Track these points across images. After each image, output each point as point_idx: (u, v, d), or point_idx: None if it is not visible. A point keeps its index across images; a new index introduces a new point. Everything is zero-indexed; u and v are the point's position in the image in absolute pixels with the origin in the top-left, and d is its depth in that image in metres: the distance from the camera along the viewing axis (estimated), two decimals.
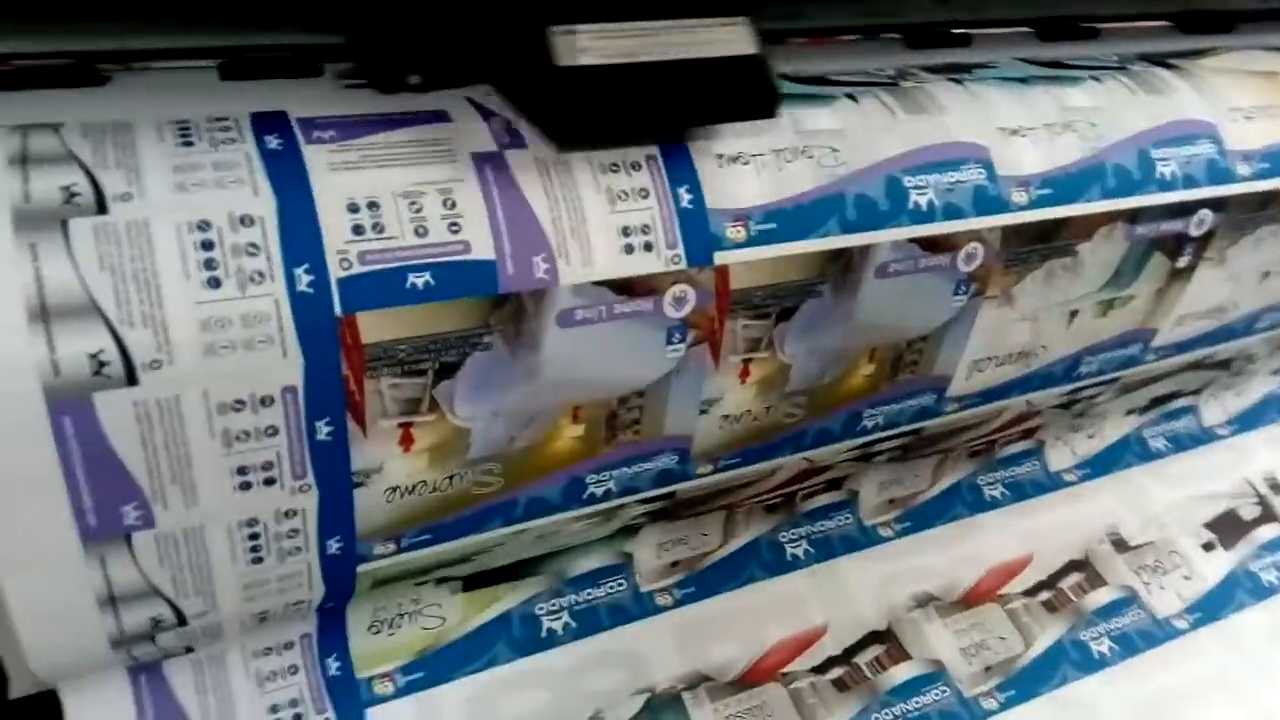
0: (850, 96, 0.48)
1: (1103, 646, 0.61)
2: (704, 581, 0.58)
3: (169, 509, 0.37)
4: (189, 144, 0.36)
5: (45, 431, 0.33)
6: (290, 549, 0.40)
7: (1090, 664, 0.60)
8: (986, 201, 0.48)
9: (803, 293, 0.45)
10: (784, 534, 0.61)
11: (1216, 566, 0.68)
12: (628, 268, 0.40)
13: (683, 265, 0.42)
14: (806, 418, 0.50)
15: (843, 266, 0.45)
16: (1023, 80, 0.52)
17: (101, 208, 0.34)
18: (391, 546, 0.43)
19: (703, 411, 0.47)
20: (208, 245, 0.34)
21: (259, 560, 0.40)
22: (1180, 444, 0.76)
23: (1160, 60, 0.57)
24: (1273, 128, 0.56)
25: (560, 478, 0.45)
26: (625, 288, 0.41)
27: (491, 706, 0.51)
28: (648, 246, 0.41)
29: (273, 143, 0.37)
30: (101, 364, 0.33)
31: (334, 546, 0.41)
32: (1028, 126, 0.50)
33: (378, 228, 0.37)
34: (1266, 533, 0.71)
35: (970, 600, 0.62)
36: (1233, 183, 0.54)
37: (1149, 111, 0.53)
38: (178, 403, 0.35)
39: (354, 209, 0.36)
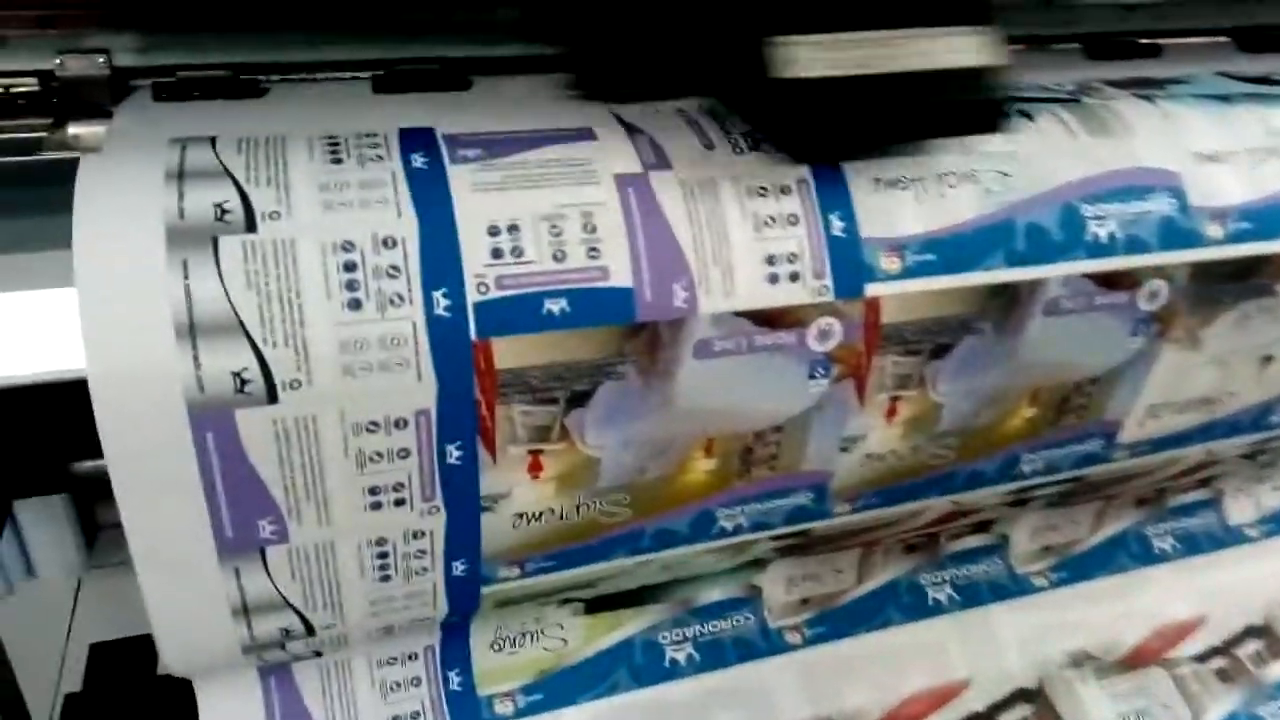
0: (1024, 114, 0.44)
1: None
2: (836, 620, 0.55)
3: (303, 525, 0.37)
4: (338, 161, 0.36)
5: (188, 445, 0.34)
6: (417, 569, 0.40)
7: None
8: (1175, 234, 0.43)
9: (961, 329, 0.42)
10: (925, 576, 0.58)
11: None
12: (771, 298, 0.38)
13: (830, 297, 0.39)
14: (957, 460, 0.47)
15: (1007, 302, 0.42)
16: (1224, 98, 0.47)
17: (251, 225, 0.34)
18: (516, 571, 0.42)
19: (844, 449, 0.44)
20: (350, 266, 0.34)
21: (387, 578, 0.40)
22: None
23: None
24: None
25: (690, 510, 0.43)
26: (767, 319, 0.39)
27: None
28: (794, 276, 0.39)
29: (418, 161, 0.37)
30: (244, 382, 0.33)
31: (459, 568, 0.41)
32: (1227, 151, 0.45)
33: (516, 251, 0.36)
34: None
35: (1132, 662, 0.57)
36: None
37: None
38: (315, 422, 0.35)
39: (494, 232, 0.36)
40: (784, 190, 0.39)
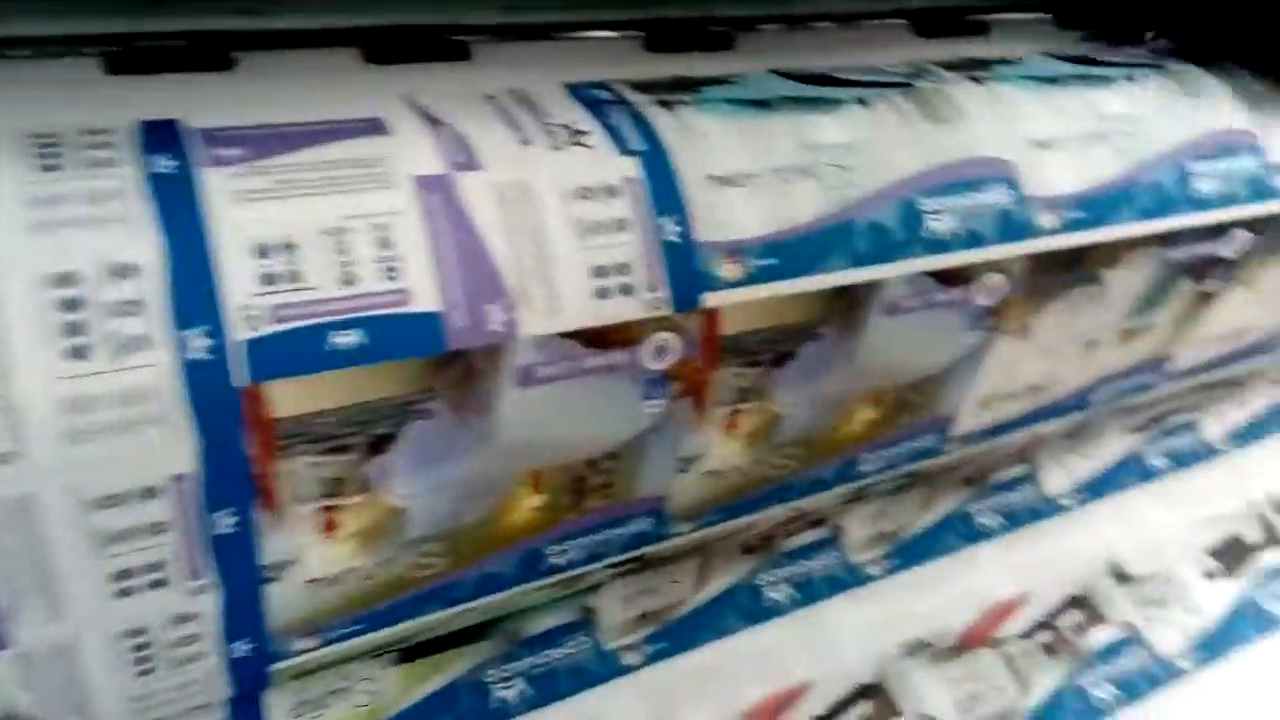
0: (861, 101, 0.41)
1: (1103, 693, 0.57)
2: (676, 634, 0.52)
3: (28, 625, 0.29)
4: (53, 167, 0.29)
5: None
6: (185, 657, 0.33)
7: (1091, 713, 0.56)
8: (1011, 226, 0.41)
9: (803, 336, 0.39)
10: (762, 576, 0.55)
11: (1220, 598, 0.64)
12: (602, 315, 0.34)
13: (667, 310, 0.35)
14: (798, 468, 0.44)
15: (845, 304, 0.39)
16: (1051, 80, 0.46)
17: None
18: (313, 641, 0.36)
19: (682, 470, 0.40)
20: (71, 304, 0.27)
21: (147, 672, 0.33)
22: (1180, 461, 0.71)
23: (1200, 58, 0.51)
24: None
25: (515, 551, 0.39)
26: (598, 338, 0.34)
27: None
28: (625, 289, 0.34)
29: (162, 164, 0.29)
30: None
31: (242, 649, 0.34)
32: (1059, 138, 0.43)
33: (294, 276, 0.29)
34: (1271, 557, 0.67)
35: (964, 645, 0.57)
36: (1274, 199, 0.49)
37: (1187, 119, 0.47)
38: (33, 501, 0.27)
39: (263, 252, 0.29)
40: (611, 191, 0.34)
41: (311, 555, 0.33)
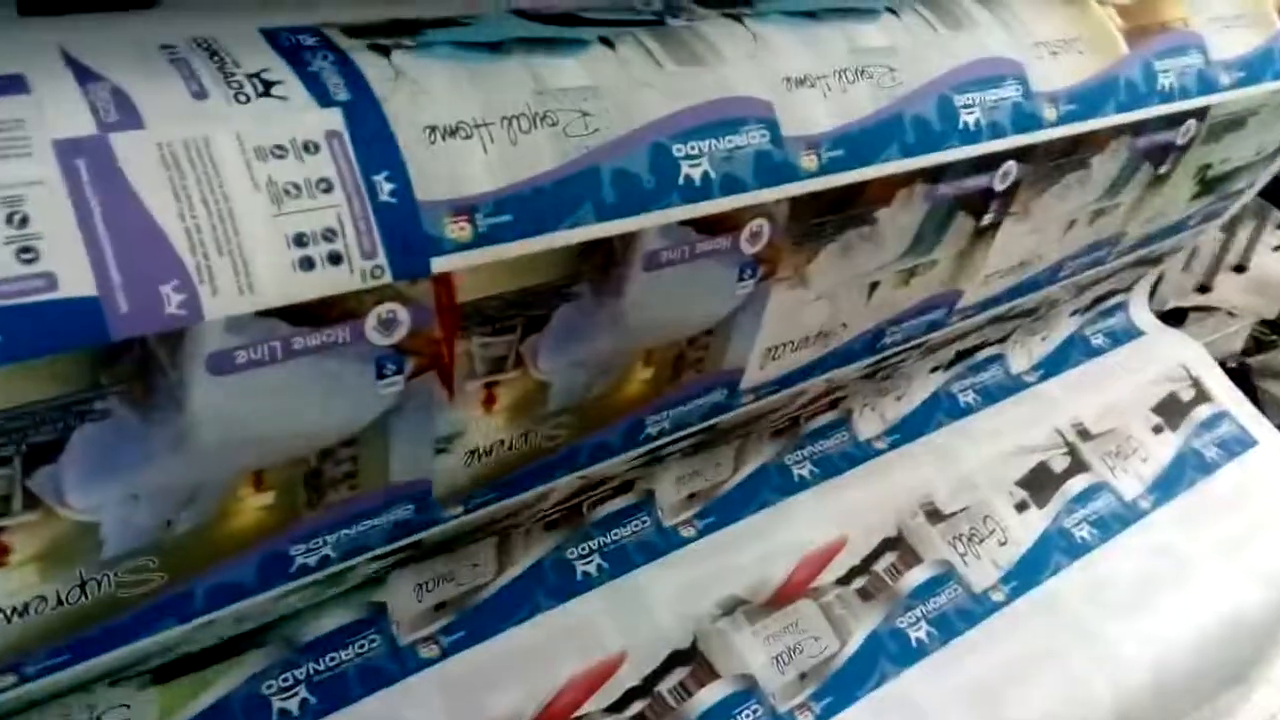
0: (605, 40, 0.38)
1: (920, 633, 0.57)
2: (477, 621, 0.50)
3: None
4: None
5: None
6: None
7: (909, 655, 0.56)
8: (771, 169, 0.40)
9: (554, 297, 0.36)
10: (571, 551, 0.53)
11: (1030, 527, 0.65)
12: (306, 289, 0.30)
13: (387, 279, 0.31)
14: (575, 437, 0.42)
15: (601, 261, 0.36)
16: (811, 14, 0.44)
17: None
18: (11, 679, 0.32)
19: (440, 450, 0.37)
20: None
21: None
22: (990, 396, 0.73)
23: None
24: (1079, 64, 0.50)
25: (251, 556, 0.35)
26: (308, 314, 0.30)
27: None
28: (334, 258, 0.30)
29: None
30: None
31: None
32: (817, 75, 0.42)
33: None
34: (1077, 484, 0.69)
35: (781, 598, 0.56)
36: (1039, 129, 0.48)
37: (951, 50, 0.46)
38: None
39: None
40: (309, 147, 0.31)
41: None
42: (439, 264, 0.32)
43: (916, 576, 0.60)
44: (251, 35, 0.33)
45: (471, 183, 0.33)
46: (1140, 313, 0.84)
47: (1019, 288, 0.60)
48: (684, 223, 0.38)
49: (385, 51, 0.34)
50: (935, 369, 0.70)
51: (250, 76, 0.31)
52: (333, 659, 0.46)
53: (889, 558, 0.60)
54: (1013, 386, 0.74)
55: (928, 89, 0.45)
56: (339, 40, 0.34)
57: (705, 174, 0.38)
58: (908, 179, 0.44)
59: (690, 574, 0.55)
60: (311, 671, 0.45)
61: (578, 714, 0.49)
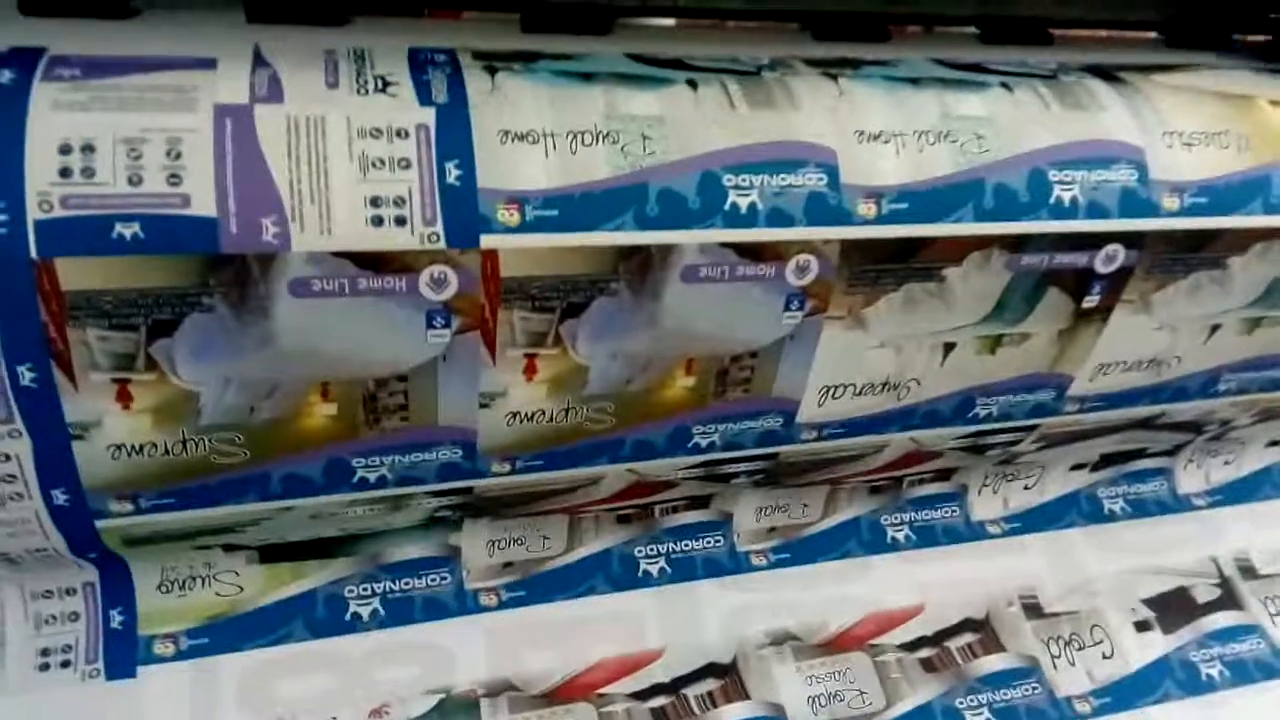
0: (691, 83, 0.44)
1: (979, 718, 0.55)
2: (537, 587, 0.55)
3: None
4: None
5: None
6: (11, 494, 0.40)
7: None
8: (823, 210, 0.43)
9: (591, 288, 0.42)
10: (640, 548, 0.58)
11: (1147, 649, 0.61)
12: (374, 241, 0.38)
13: (441, 245, 0.39)
14: (618, 426, 0.47)
15: (640, 265, 0.42)
16: (912, 81, 0.47)
17: None
18: (129, 506, 0.42)
19: (484, 405, 0.44)
20: None
21: None
22: (1143, 509, 0.68)
23: (1106, 71, 0.51)
24: (1215, 158, 0.48)
25: (318, 457, 0.43)
26: (375, 262, 0.38)
27: (268, 683, 0.49)
28: (400, 220, 0.38)
29: (5, 76, 0.36)
30: None
31: (60, 498, 0.40)
32: (894, 132, 0.44)
33: (88, 172, 0.35)
34: (1221, 620, 0.63)
35: (837, 645, 0.57)
36: (1154, 216, 0.47)
37: (1058, 128, 0.47)
38: None
39: (66, 150, 0.35)
40: (400, 133, 0.39)
41: (111, 422, 0.39)
42: (487, 240, 0.39)
43: (993, 664, 0.58)
44: (400, 50, 0.43)
45: (528, 179, 0.40)
46: None
47: (1158, 391, 0.57)
48: (726, 245, 0.42)
49: (494, 71, 0.42)
50: (1078, 467, 0.66)
51: (376, 77, 0.40)
52: (406, 583, 0.53)
53: (967, 637, 0.59)
54: (1173, 505, 0.68)
55: (1019, 160, 0.46)
56: (464, 60, 0.42)
57: (752, 204, 0.42)
58: (982, 243, 0.45)
59: (749, 599, 0.58)
60: (388, 588, 0.53)
61: (602, 691, 0.53)
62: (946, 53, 0.51)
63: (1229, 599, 0.64)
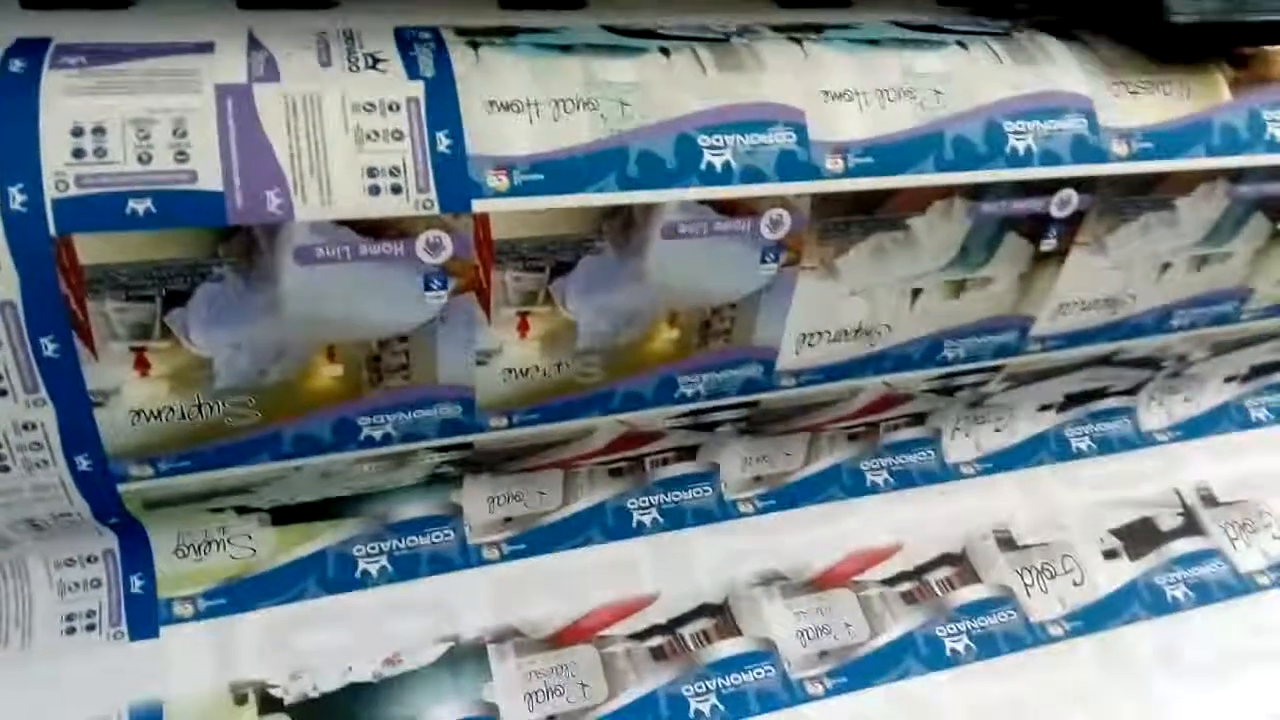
0: (663, 50, 0.46)
1: (959, 644, 0.59)
2: (537, 540, 0.58)
3: None
4: None
5: None
6: (36, 461, 0.42)
7: (940, 660, 0.58)
8: (793, 167, 0.46)
9: (578, 248, 0.44)
10: (633, 500, 0.60)
11: (1115, 575, 0.64)
12: (372, 209, 0.40)
13: (435, 210, 0.41)
14: (607, 379, 0.50)
15: (623, 224, 0.44)
16: (874, 42, 0.49)
17: None
18: (149, 469, 0.44)
19: (481, 363, 0.46)
20: None
21: (6, 469, 0.42)
22: (1109, 446, 0.71)
23: (1058, 27, 0.53)
24: (1166, 104, 0.51)
25: (326, 417, 0.46)
26: (372, 229, 0.41)
27: (287, 637, 0.52)
28: (395, 189, 0.41)
29: (15, 66, 0.38)
30: None
31: (84, 463, 0.43)
32: (857, 90, 0.47)
33: (99, 152, 0.37)
34: (1184, 546, 0.66)
35: (822, 583, 0.60)
36: (1104, 162, 0.50)
37: (1011, 81, 0.49)
38: None
39: (78, 133, 0.37)
40: (392, 107, 0.41)
41: (130, 390, 0.41)
42: (479, 205, 0.42)
43: (970, 594, 0.61)
44: (386, 29, 0.45)
45: (515, 146, 0.42)
46: None
47: (1115, 329, 0.60)
48: (703, 202, 0.45)
49: (476, 45, 0.44)
50: (1045, 408, 0.70)
51: (366, 54, 0.42)
52: (412, 541, 0.56)
53: (945, 571, 0.62)
54: (1137, 441, 0.72)
55: (976, 113, 0.48)
56: (447, 36, 0.45)
57: (727, 163, 0.45)
58: (942, 192, 0.48)
59: (738, 544, 0.61)
60: (394, 546, 0.55)
61: (603, 633, 0.56)
62: (905, 15, 0.54)
63: (1191, 526, 0.68)
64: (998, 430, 0.69)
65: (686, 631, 0.57)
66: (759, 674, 0.55)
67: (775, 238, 0.47)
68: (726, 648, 0.56)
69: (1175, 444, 0.73)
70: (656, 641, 0.56)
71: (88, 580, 0.50)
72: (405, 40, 0.44)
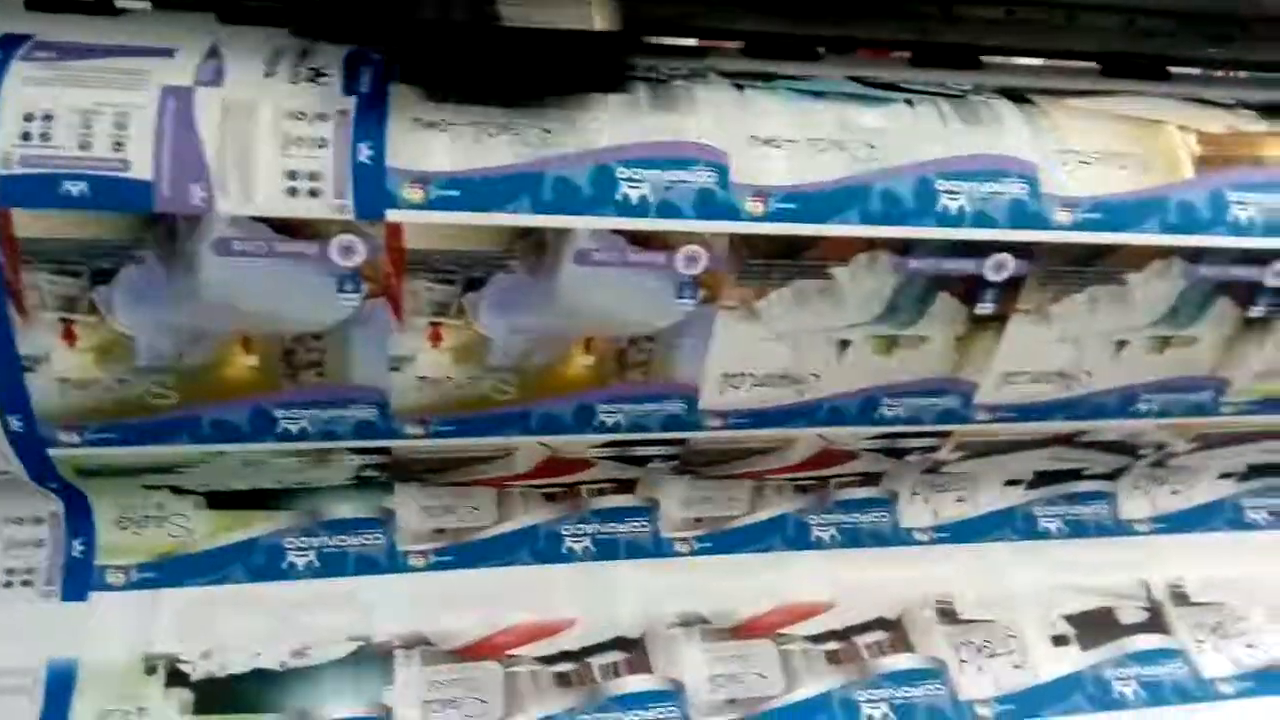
0: (646, 82, 0.48)
1: (875, 711, 0.57)
2: (465, 554, 0.59)
3: None
4: None
5: None
6: None
7: None
8: (712, 206, 0.47)
9: (490, 265, 0.46)
10: (567, 526, 0.61)
11: (1059, 662, 0.62)
12: (288, 209, 0.43)
13: (350, 216, 0.44)
14: (523, 397, 0.51)
15: (535, 245, 0.46)
16: (817, 94, 0.50)
17: None
18: (75, 437, 0.48)
19: (394, 368, 0.48)
20: None
21: None
22: (1080, 530, 0.69)
23: (1019, 94, 0.53)
24: (1113, 176, 0.51)
25: (243, 405, 0.48)
26: (291, 229, 0.43)
27: (205, 617, 0.54)
28: (314, 193, 0.43)
29: None
30: None
31: (15, 423, 0.46)
32: (786, 139, 0.48)
33: (45, 136, 0.41)
34: (1143, 642, 0.63)
35: (745, 632, 0.60)
36: (1044, 229, 0.50)
37: (950, 141, 0.50)
38: None
39: (29, 118, 0.41)
40: (320, 117, 0.44)
41: (58, 358, 0.45)
42: (392, 215, 0.44)
43: (899, 662, 0.60)
44: (342, 51, 0.48)
45: (433, 162, 0.44)
46: None
47: (1072, 406, 0.58)
48: (618, 232, 0.46)
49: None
50: (1013, 483, 0.68)
51: (311, 69, 0.46)
52: (342, 539, 0.58)
53: (877, 635, 0.61)
54: (1113, 529, 0.69)
55: (907, 170, 0.49)
56: None
57: (643, 196, 0.46)
58: (868, 244, 0.49)
59: (664, 581, 0.61)
60: (324, 543, 0.57)
61: (512, 652, 0.56)
62: (874, 72, 0.55)
63: (1155, 622, 0.65)
64: (960, 500, 0.68)
65: (596, 661, 0.57)
66: (660, 713, 0.55)
67: (691, 274, 0.48)
68: (633, 683, 0.56)
69: (1155, 536, 0.70)
70: (564, 667, 0.56)
71: (33, 540, 0.54)
72: (353, 60, 0.47)
